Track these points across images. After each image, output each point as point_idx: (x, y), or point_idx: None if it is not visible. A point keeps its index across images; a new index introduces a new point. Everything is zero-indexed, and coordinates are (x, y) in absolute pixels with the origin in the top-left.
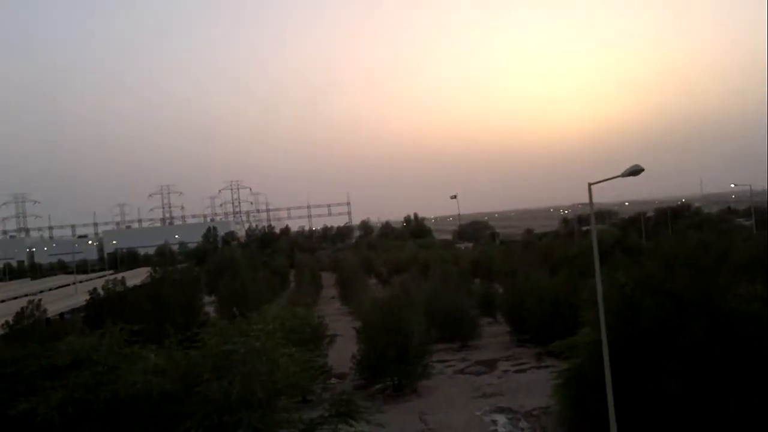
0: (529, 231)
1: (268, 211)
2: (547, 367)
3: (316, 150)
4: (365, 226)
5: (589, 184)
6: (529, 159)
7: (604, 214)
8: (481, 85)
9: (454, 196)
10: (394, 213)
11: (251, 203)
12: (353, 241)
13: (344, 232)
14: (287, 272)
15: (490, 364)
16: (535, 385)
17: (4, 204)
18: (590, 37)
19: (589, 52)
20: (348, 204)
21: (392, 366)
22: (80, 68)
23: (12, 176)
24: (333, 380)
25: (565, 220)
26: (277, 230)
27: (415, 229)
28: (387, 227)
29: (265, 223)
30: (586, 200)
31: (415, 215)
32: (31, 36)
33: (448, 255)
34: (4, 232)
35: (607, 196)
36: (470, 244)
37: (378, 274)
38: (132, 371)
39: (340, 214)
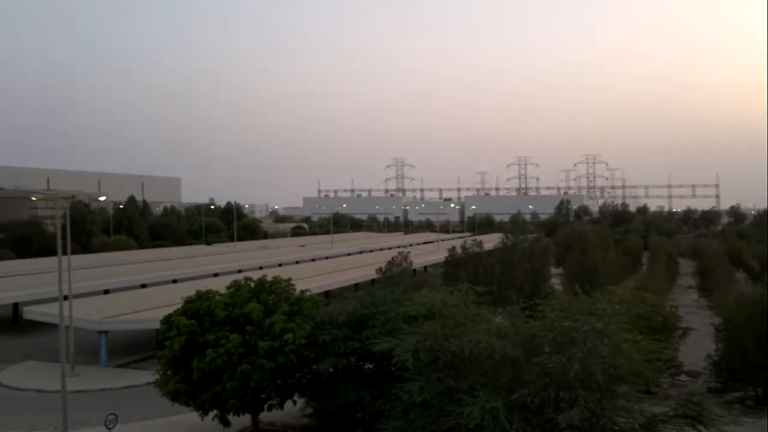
0: None
1: (624, 187)
2: None
3: (679, 125)
4: (735, 212)
5: None
6: None
7: None
8: None
9: None
10: None
11: (606, 178)
12: (719, 227)
13: (709, 216)
14: (640, 254)
15: None
16: None
17: (387, 167)
18: None
19: None
20: (716, 186)
21: (757, 374)
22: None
23: (396, 141)
24: (683, 377)
25: None
26: (633, 208)
27: None
28: (765, 215)
29: (620, 200)
30: None
31: None
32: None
33: None
34: (386, 191)
35: None
36: None
37: (748, 269)
38: (477, 330)
39: (705, 196)
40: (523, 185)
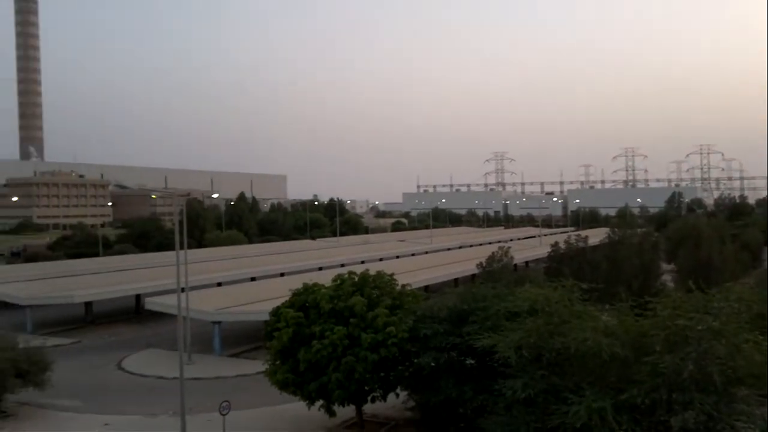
0: None
1: (741, 179)
2: None
3: None
4: None
5: None
6: None
7: None
8: None
9: None
10: None
11: (722, 169)
12: None
13: None
14: (760, 249)
15: None
16: None
17: (487, 161)
18: None
19: None
20: None
21: None
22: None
23: (495, 135)
24: None
25: None
26: (752, 200)
27: None
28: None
29: (738, 192)
30: None
31: None
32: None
33: None
34: (486, 185)
35: None
36: None
37: None
38: (582, 328)
39: None
40: (630, 177)
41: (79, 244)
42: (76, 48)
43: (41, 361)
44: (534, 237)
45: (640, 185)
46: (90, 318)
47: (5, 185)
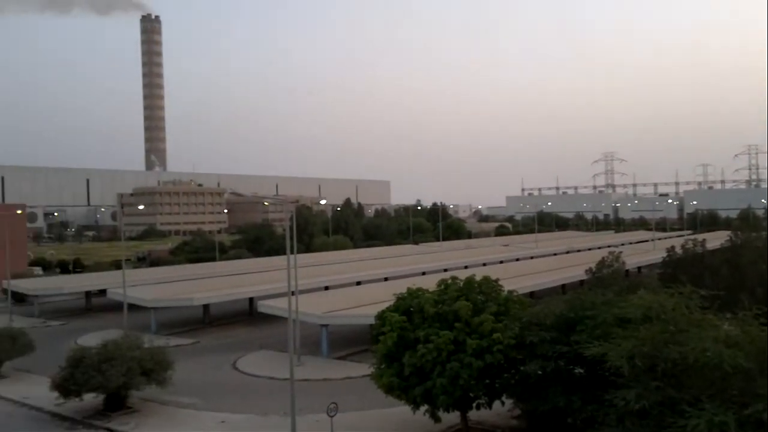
0: None
1: None
2: None
3: None
4: None
5: None
6: None
7: None
8: None
9: None
10: None
11: None
12: None
13: None
14: None
15: None
16: None
17: (595, 162)
18: None
19: None
20: None
21: None
22: None
23: (604, 135)
24: None
25: None
26: None
27: None
28: None
29: None
30: None
31: None
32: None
33: None
34: (594, 187)
35: None
36: None
37: None
38: (702, 337)
39: None
40: (753, 177)
41: (197, 249)
42: (195, 63)
43: (164, 360)
44: (647, 241)
45: (765, 185)
46: (207, 320)
47: (132, 194)
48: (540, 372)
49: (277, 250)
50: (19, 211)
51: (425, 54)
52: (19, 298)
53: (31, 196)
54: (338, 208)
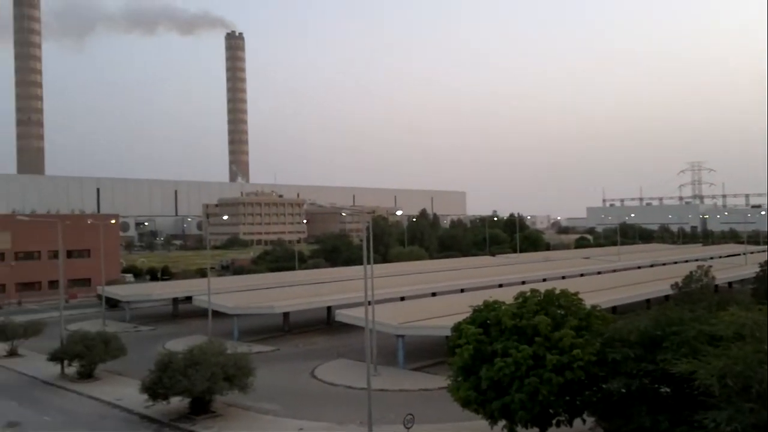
0: None
1: None
2: None
3: None
4: None
5: None
6: None
7: None
8: None
9: None
10: None
11: None
12: None
13: None
14: None
15: None
16: None
17: (682, 171)
18: None
19: None
20: None
21: None
22: None
23: (691, 143)
24: None
25: None
26: None
27: None
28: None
29: None
30: None
31: None
32: None
33: None
34: (680, 198)
35: None
36: None
37: None
38: None
39: None
40: None
41: (278, 258)
42: (275, 78)
43: (246, 366)
44: (738, 255)
45: None
46: (287, 328)
47: (216, 205)
48: (624, 390)
49: (354, 259)
50: (112, 221)
51: (501, 64)
52: (112, 303)
53: (124, 206)
54: (414, 219)
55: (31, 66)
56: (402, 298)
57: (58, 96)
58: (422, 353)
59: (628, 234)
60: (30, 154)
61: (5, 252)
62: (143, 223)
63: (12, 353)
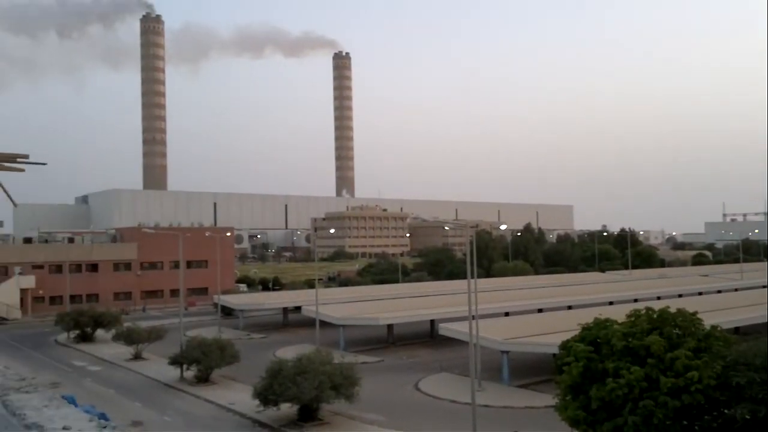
0: None
1: None
2: None
3: None
4: None
5: None
6: None
7: None
8: None
9: None
10: None
11: None
12: None
13: None
14: None
15: None
16: None
17: None
18: None
19: None
20: None
21: None
22: None
23: None
24: None
25: None
26: None
27: None
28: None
29: None
30: None
31: None
32: None
33: None
34: None
35: None
36: None
37: None
38: None
39: None
40: None
41: (382, 271)
42: (379, 95)
43: (352, 376)
44: None
45: None
46: (391, 339)
47: (324, 218)
48: (748, 416)
49: (457, 273)
50: (228, 234)
51: (605, 75)
52: (227, 311)
53: (238, 219)
54: (518, 233)
55: (155, 89)
56: (506, 314)
57: (178, 117)
58: (527, 370)
59: (752, 251)
60: (154, 171)
61: (132, 262)
62: (256, 236)
63: (137, 356)
